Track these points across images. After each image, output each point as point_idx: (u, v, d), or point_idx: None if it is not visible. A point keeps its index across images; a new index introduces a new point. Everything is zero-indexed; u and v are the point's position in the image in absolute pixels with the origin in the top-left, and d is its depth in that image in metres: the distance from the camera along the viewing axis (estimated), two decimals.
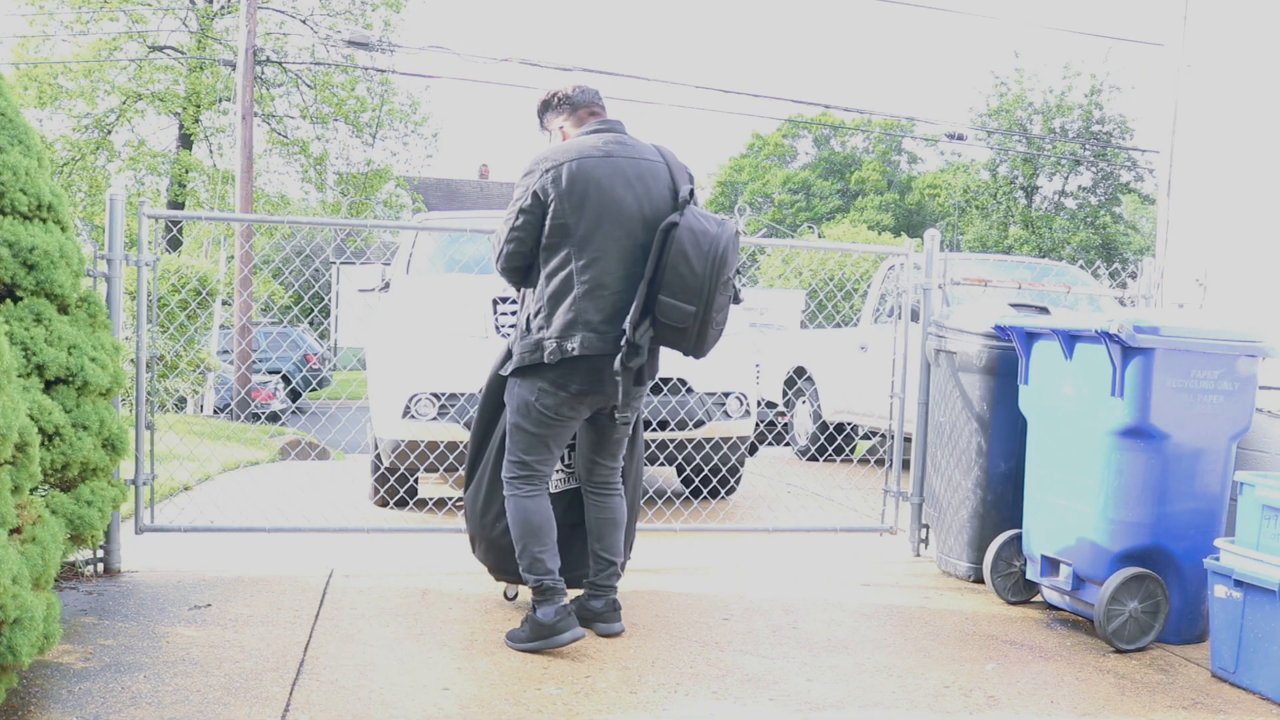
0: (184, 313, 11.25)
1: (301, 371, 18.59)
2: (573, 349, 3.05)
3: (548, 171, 3.09)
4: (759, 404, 9.79)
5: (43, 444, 3.11)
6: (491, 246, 3.27)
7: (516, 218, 3.14)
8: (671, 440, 5.34)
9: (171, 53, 21.29)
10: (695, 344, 3.08)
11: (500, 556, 3.57)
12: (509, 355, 3.35)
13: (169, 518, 4.62)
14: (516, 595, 3.70)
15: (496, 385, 3.65)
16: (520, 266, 3.20)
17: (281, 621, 3.41)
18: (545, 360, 3.08)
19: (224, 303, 15.11)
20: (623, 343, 3.03)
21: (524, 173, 3.17)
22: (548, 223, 3.08)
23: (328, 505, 5.36)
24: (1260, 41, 4.30)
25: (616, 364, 3.05)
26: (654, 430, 5.17)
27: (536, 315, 3.12)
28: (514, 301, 5.11)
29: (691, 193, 3.18)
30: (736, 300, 3.27)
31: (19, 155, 3.22)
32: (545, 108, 3.39)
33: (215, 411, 14.42)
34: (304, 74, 21.29)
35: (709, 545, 4.86)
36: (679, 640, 3.34)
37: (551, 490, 3.54)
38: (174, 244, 15.42)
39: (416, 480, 5.54)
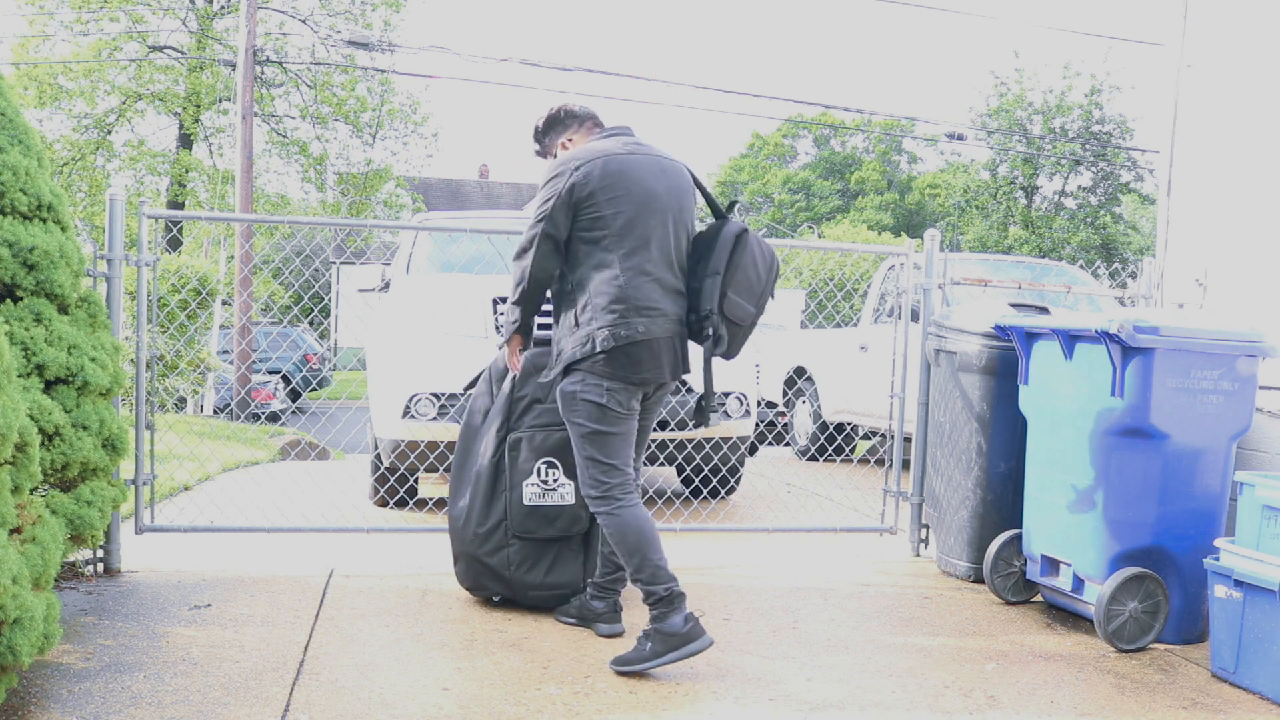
0: (184, 313, 11.24)
1: (301, 371, 18.58)
2: (627, 335, 3.02)
3: (579, 168, 3.06)
4: (759, 404, 9.78)
5: (43, 444, 3.11)
6: (519, 247, 3.15)
7: (549, 204, 3.06)
8: (671, 440, 5.34)
9: (171, 53, 21.29)
10: (741, 343, 3.21)
11: (480, 573, 3.59)
12: (528, 368, 3.35)
13: (169, 518, 4.62)
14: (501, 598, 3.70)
15: (484, 398, 3.67)
16: (552, 263, 3.12)
17: (281, 621, 3.41)
18: (598, 349, 3.02)
19: (224, 303, 15.12)
20: (708, 330, 3.12)
21: (551, 175, 3.12)
22: (584, 217, 3.07)
23: (328, 505, 5.36)
24: (1260, 41, 4.30)
25: (705, 351, 3.14)
26: (654, 430, 5.17)
27: (584, 310, 3.06)
28: None
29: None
30: None
31: (19, 155, 3.22)
32: (551, 124, 3.35)
33: (215, 411, 14.42)
34: (304, 74, 21.29)
35: (709, 545, 4.86)
36: None
37: (560, 502, 3.55)
38: (174, 244, 15.42)
39: (416, 480, 5.54)
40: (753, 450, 9.42)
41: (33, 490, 2.92)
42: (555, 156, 3.33)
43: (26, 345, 3.15)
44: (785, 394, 9.19)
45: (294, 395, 17.62)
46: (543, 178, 3.15)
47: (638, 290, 3.05)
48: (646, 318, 3.05)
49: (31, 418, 2.99)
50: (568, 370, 3.12)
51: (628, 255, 3.06)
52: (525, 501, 3.52)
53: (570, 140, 3.31)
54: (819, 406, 8.47)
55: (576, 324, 3.08)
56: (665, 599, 3.01)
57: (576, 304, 3.09)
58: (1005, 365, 4.06)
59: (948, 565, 4.34)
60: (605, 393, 3.07)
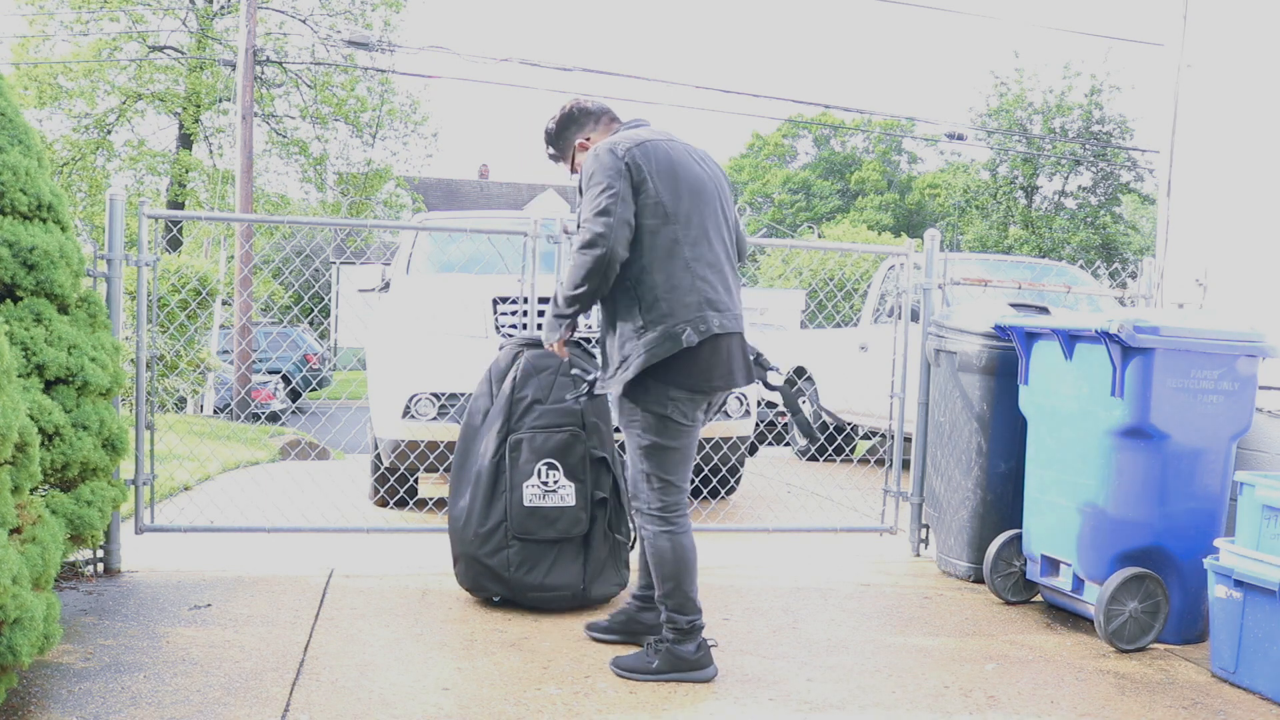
0: (184, 313, 11.24)
1: (301, 371, 18.58)
2: (705, 330, 2.81)
3: (630, 149, 2.85)
4: (759, 404, 9.78)
5: (43, 444, 3.11)
6: (585, 234, 2.82)
7: (615, 188, 2.79)
8: None
9: (171, 53, 21.29)
10: None
11: (479, 574, 3.59)
12: (593, 374, 3.01)
13: (169, 518, 4.62)
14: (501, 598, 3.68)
15: (484, 398, 3.67)
16: (625, 252, 2.82)
17: (281, 621, 3.41)
18: (684, 345, 2.79)
19: (224, 303, 15.11)
20: (772, 364, 3.07)
21: (599, 163, 2.85)
22: (643, 204, 2.84)
23: (328, 505, 5.36)
24: (1260, 41, 4.30)
25: (777, 381, 3.09)
26: None
27: (652, 307, 2.82)
28: (514, 301, 5.11)
29: None
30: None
31: (19, 155, 3.22)
32: (566, 122, 3.12)
33: (215, 411, 14.41)
34: (304, 74, 21.29)
35: (709, 545, 4.85)
36: None
37: (561, 503, 3.52)
38: (174, 244, 15.42)
39: (416, 480, 5.55)
40: (753, 450, 9.42)
41: (33, 490, 2.92)
42: (573, 158, 3.12)
43: (26, 345, 3.15)
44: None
45: (294, 395, 17.61)
46: (587, 170, 2.88)
47: (706, 282, 2.85)
48: (719, 313, 2.86)
49: (31, 418, 2.99)
50: (622, 367, 2.87)
51: (695, 244, 2.86)
52: (525, 503, 3.52)
53: (589, 138, 3.09)
54: (819, 407, 8.47)
55: (643, 324, 2.83)
56: (685, 630, 2.96)
57: (640, 301, 2.83)
58: (1005, 365, 4.06)
59: (948, 565, 4.34)
60: (669, 402, 2.87)
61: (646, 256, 2.84)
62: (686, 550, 2.96)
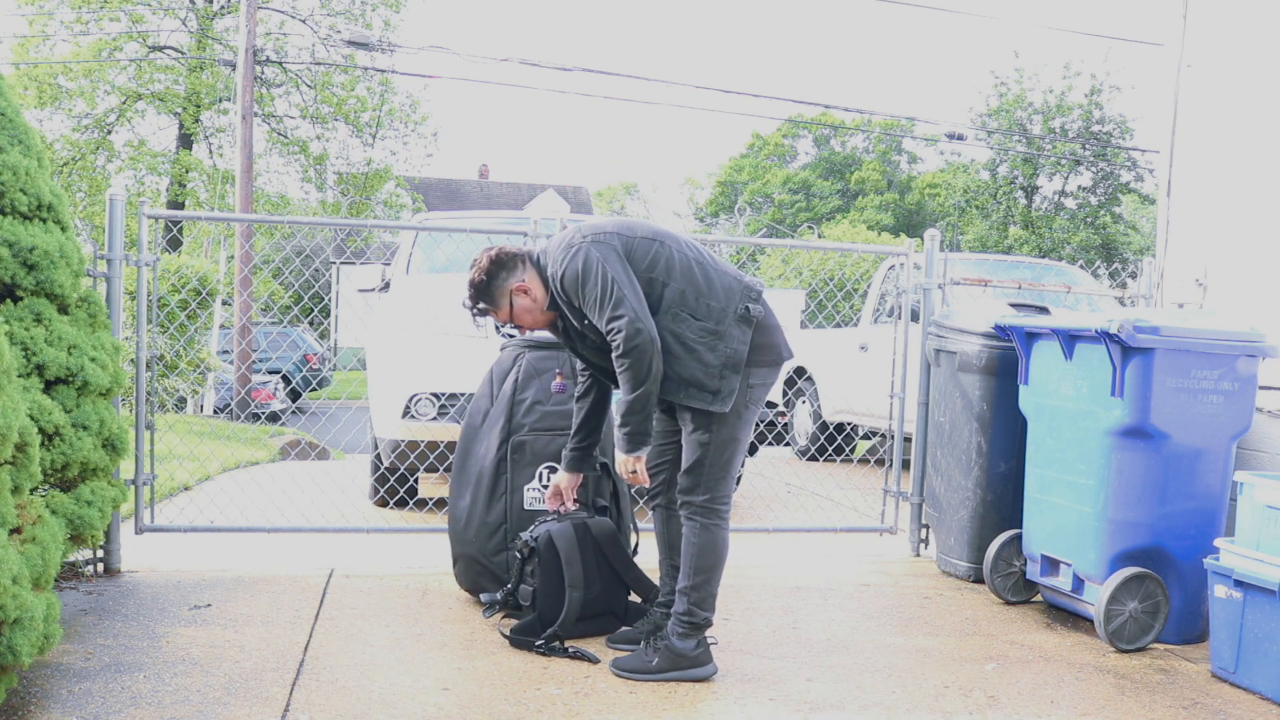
0: (184, 313, 11.23)
1: (301, 371, 18.57)
2: (757, 295, 2.94)
3: (588, 240, 2.88)
4: None
5: (43, 444, 3.11)
6: (617, 335, 2.79)
7: (604, 278, 2.81)
8: None
9: (171, 53, 21.28)
10: None
11: (479, 574, 3.58)
12: (703, 389, 2.89)
13: (169, 518, 4.61)
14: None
15: (484, 399, 3.66)
16: (650, 318, 2.83)
17: (281, 621, 3.41)
18: (756, 318, 2.89)
19: (224, 303, 15.11)
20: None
21: (577, 257, 2.85)
22: (638, 265, 2.89)
23: (328, 505, 5.36)
24: (1260, 41, 4.30)
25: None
26: None
27: (709, 313, 2.88)
28: None
29: None
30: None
31: (19, 155, 3.22)
32: (499, 268, 2.96)
33: (215, 411, 14.41)
34: (304, 74, 21.28)
35: None
36: None
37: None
38: (174, 244, 15.40)
39: (416, 480, 5.55)
40: (753, 450, 9.41)
41: (33, 490, 2.92)
42: (510, 305, 2.99)
43: (26, 345, 3.15)
44: (785, 394, 9.18)
45: (294, 395, 17.61)
46: (569, 284, 2.86)
47: (721, 263, 2.99)
48: (748, 277, 2.98)
49: (31, 418, 2.99)
50: (724, 377, 2.86)
51: (690, 248, 2.99)
52: (526, 506, 3.51)
53: (524, 280, 2.97)
54: (819, 406, 8.47)
55: (714, 328, 2.87)
56: (695, 625, 2.98)
57: (695, 315, 2.88)
58: (1005, 365, 4.06)
59: (948, 565, 4.34)
60: (748, 390, 2.92)
61: (673, 281, 2.90)
62: (726, 546, 3.04)
